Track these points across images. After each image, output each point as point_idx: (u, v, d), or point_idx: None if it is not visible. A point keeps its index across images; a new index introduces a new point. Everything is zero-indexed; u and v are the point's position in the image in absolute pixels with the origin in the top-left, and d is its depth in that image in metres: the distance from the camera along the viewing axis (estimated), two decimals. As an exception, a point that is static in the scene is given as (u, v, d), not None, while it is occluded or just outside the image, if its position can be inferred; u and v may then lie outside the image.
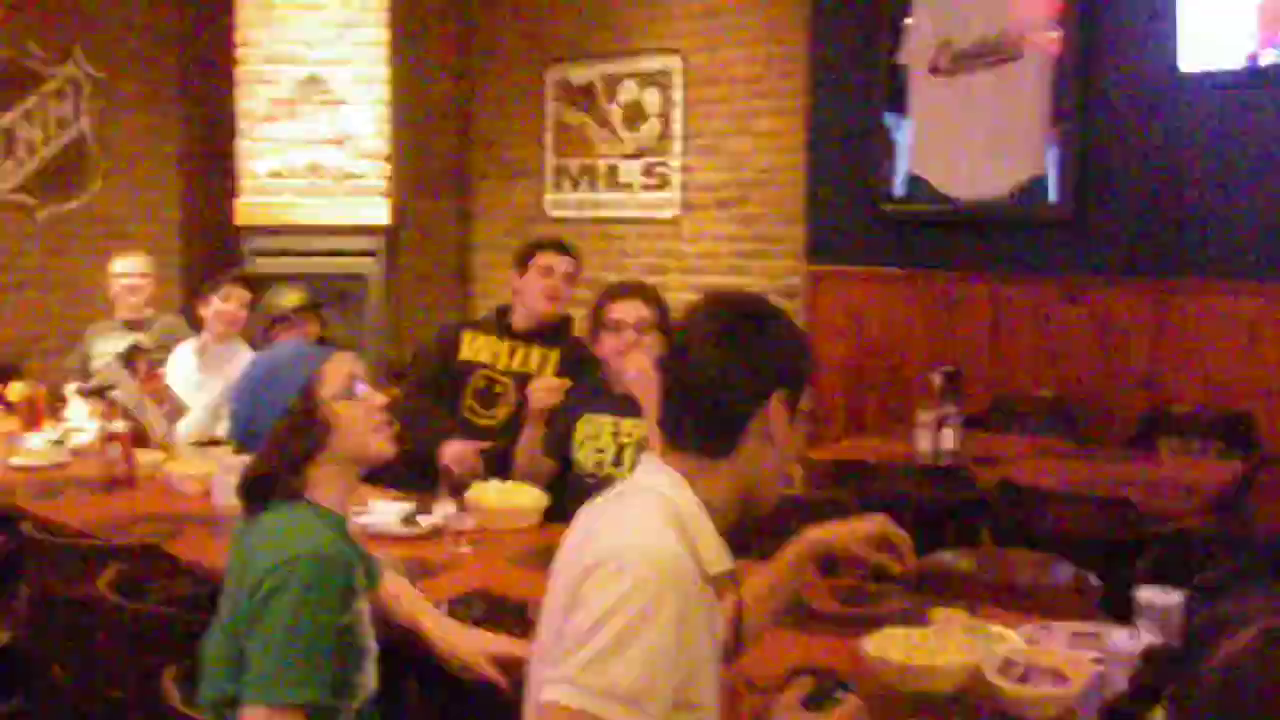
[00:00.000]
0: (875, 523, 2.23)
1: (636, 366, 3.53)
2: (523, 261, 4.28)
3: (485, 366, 4.19)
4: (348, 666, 2.14)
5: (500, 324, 4.29)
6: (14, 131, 7.16)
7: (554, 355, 4.16)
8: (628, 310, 3.70)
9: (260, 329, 4.59)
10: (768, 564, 2.22)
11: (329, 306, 4.85)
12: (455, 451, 3.86)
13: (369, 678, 2.21)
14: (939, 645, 2.27)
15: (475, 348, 4.24)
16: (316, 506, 2.23)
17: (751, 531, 2.00)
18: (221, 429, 4.69)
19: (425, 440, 3.91)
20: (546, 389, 3.80)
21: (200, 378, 5.03)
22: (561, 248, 4.32)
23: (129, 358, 5.08)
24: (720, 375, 1.83)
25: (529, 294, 4.22)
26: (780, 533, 2.40)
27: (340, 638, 2.10)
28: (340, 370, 2.31)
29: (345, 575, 2.12)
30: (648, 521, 1.78)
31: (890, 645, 2.26)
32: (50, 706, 3.44)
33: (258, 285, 5.04)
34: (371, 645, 2.23)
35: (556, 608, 1.79)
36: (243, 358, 4.96)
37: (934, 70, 5.88)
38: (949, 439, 4.49)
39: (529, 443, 3.80)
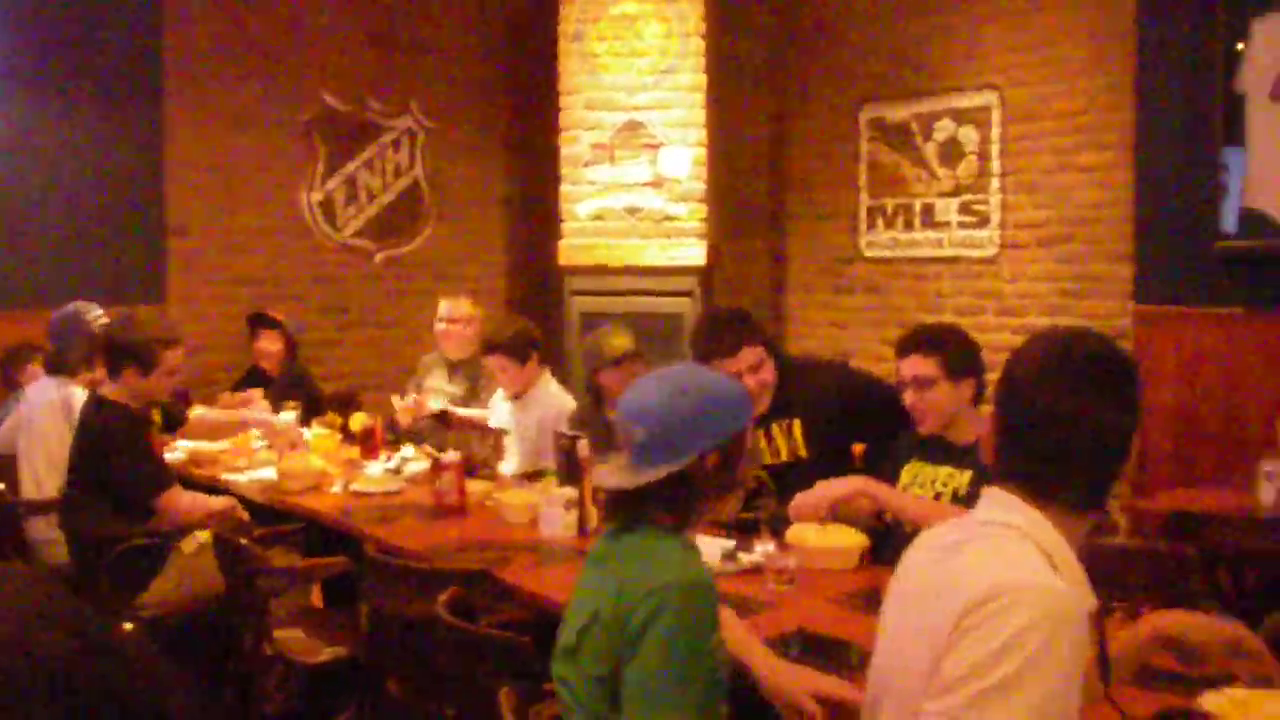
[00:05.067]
0: (1235, 629, 2.06)
1: None
2: None
3: None
4: (712, 695, 2.16)
5: None
6: (356, 179, 7.64)
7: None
8: (905, 367, 3.58)
9: (589, 369, 4.71)
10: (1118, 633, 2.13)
11: (646, 342, 4.94)
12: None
13: (724, 709, 2.23)
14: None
15: None
16: (682, 539, 2.26)
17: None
18: (545, 463, 4.86)
19: None
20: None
21: (516, 418, 5.21)
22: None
23: (442, 419, 5.39)
24: (1107, 434, 1.80)
25: None
26: (1113, 583, 2.30)
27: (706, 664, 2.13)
28: (751, 433, 2.36)
29: (712, 604, 2.16)
30: (1026, 557, 1.74)
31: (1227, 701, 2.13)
32: (385, 718, 3.62)
33: None
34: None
35: (923, 645, 1.76)
36: (551, 399, 5.13)
37: (1275, 97, 5.54)
38: (1297, 490, 4.20)
39: None
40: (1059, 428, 1.79)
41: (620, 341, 4.65)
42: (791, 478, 3.83)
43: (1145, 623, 2.10)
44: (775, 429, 3.99)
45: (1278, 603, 3.61)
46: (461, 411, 5.66)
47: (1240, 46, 5.62)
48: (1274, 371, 5.58)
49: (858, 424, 3.87)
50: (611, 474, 2.28)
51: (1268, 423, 5.08)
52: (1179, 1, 5.89)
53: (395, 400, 5.82)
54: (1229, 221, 5.69)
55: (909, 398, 3.55)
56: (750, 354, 3.92)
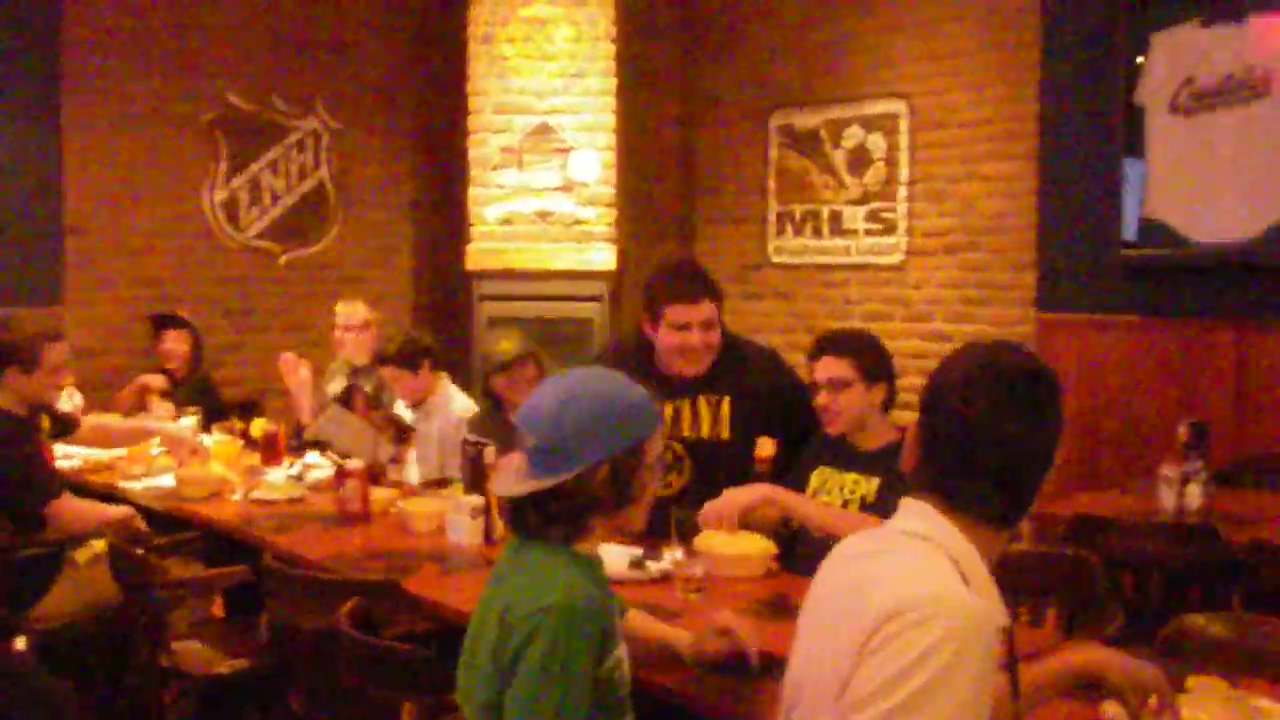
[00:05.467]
0: (1154, 675, 2.06)
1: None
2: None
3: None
4: (607, 717, 2.11)
5: None
6: (260, 181, 7.51)
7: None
8: (819, 369, 3.55)
9: (483, 375, 4.68)
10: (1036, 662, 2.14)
11: (555, 347, 4.90)
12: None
13: None
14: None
15: None
16: (575, 553, 2.18)
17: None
18: (451, 471, 4.80)
19: None
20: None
21: (417, 426, 5.13)
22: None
23: (345, 398, 5.28)
24: (1031, 450, 1.81)
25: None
26: (1018, 588, 2.31)
27: (596, 689, 2.06)
28: (661, 438, 2.26)
29: (598, 625, 2.07)
30: (938, 571, 1.73)
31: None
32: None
33: None
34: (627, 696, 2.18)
35: (835, 657, 1.75)
36: (451, 406, 5.06)
37: (1174, 110, 5.65)
38: (1195, 496, 4.26)
39: None
40: (980, 442, 1.79)
41: (508, 346, 4.61)
42: (710, 457, 3.78)
43: (1061, 658, 2.10)
44: (703, 402, 3.85)
45: (1180, 607, 3.67)
46: None
47: (1140, 60, 5.73)
48: (1172, 377, 5.69)
49: (783, 418, 3.83)
50: (504, 480, 2.22)
51: (1167, 428, 5.16)
52: (1082, 15, 5.99)
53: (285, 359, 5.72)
54: (1129, 231, 5.79)
55: (822, 399, 3.53)
56: (709, 308, 3.77)
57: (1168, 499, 4.30)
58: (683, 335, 3.74)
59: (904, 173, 6.84)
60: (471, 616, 2.24)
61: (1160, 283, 5.76)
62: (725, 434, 3.84)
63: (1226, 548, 3.85)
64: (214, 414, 5.87)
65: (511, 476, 2.19)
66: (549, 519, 2.15)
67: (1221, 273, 5.56)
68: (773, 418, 3.83)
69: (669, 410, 3.79)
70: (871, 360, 3.56)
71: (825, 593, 1.90)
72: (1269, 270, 5.42)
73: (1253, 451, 5.24)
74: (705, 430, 3.85)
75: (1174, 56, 5.63)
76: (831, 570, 1.92)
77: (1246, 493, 4.79)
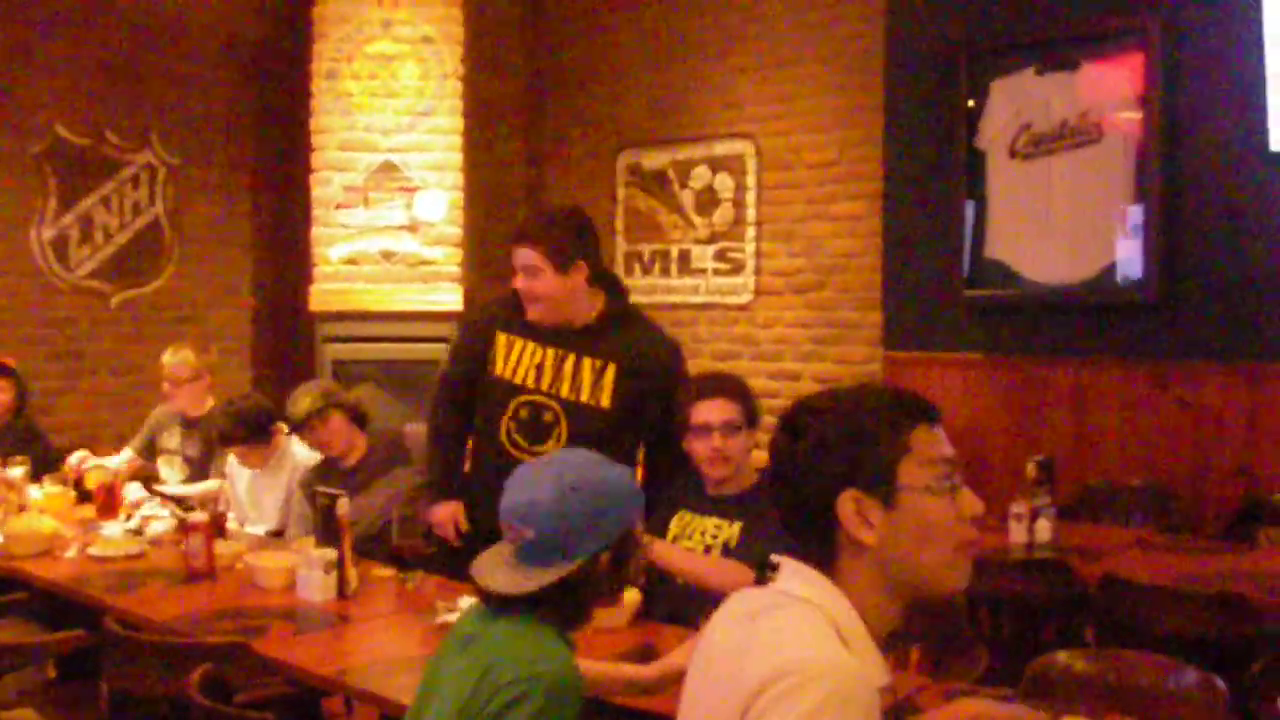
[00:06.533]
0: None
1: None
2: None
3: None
4: None
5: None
6: (91, 217, 7.22)
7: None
8: (712, 411, 3.49)
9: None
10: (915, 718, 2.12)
11: (401, 389, 4.78)
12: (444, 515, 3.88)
13: None
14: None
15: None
16: (562, 634, 2.15)
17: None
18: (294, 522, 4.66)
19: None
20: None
21: (259, 480, 4.95)
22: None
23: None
24: (792, 485, 1.76)
25: None
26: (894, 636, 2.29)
27: None
28: (642, 516, 2.26)
29: (579, 705, 2.05)
30: (816, 633, 1.68)
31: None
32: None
33: None
34: None
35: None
36: (296, 458, 4.88)
37: (1012, 154, 5.81)
38: (1045, 531, 4.35)
39: None
40: (795, 498, 1.76)
41: (301, 405, 4.46)
42: (586, 424, 3.71)
43: (941, 712, 2.09)
44: (586, 363, 3.77)
45: (1035, 645, 3.73)
46: (192, 490, 5.33)
47: (976, 104, 5.88)
48: (1015, 413, 5.82)
49: (659, 413, 3.75)
50: (496, 573, 2.14)
51: (1012, 463, 5.28)
52: (924, 61, 6.12)
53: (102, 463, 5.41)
54: (971, 270, 5.92)
55: (715, 441, 3.45)
56: (526, 254, 3.68)
57: (1018, 534, 4.38)
58: (516, 278, 3.74)
59: (751, 213, 6.90)
60: (423, 686, 2.17)
61: (1001, 321, 5.90)
62: (605, 402, 3.77)
63: (1079, 581, 3.93)
64: (43, 463, 5.59)
65: (506, 571, 2.14)
66: (555, 608, 2.12)
67: (1058, 312, 5.72)
68: (649, 403, 3.76)
69: (550, 354, 3.79)
70: (752, 404, 3.55)
71: (709, 657, 1.85)
72: (1102, 309, 5.59)
73: (1092, 484, 5.39)
74: (585, 394, 3.77)
75: (1012, 103, 5.79)
76: (715, 633, 1.87)
77: (1087, 526, 4.92)
